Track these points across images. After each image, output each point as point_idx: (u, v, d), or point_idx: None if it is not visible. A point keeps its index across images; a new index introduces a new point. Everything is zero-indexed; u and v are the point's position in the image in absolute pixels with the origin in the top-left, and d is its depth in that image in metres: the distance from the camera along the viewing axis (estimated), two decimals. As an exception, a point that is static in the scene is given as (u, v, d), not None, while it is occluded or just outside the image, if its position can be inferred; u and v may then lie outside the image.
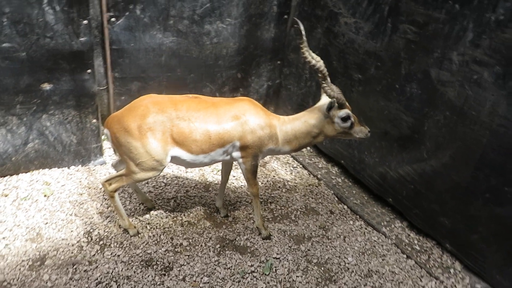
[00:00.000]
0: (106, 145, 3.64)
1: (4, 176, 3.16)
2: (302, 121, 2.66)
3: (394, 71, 2.92)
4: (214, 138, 2.53)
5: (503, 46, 2.27)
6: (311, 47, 3.68)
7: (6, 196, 3.00)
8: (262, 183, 3.53)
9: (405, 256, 2.89)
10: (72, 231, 2.79)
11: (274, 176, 3.66)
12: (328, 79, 2.54)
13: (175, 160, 2.59)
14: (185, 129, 2.48)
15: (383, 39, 2.95)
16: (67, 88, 3.06)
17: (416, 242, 3.00)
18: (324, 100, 2.63)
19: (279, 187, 3.53)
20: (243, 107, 2.61)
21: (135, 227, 2.84)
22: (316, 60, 2.49)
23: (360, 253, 2.88)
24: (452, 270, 2.77)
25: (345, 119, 2.58)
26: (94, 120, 3.29)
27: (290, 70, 4.06)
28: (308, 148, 4.05)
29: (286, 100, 4.23)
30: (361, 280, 2.66)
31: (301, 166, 3.86)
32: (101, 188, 3.19)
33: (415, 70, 2.78)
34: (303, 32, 2.49)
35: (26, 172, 3.23)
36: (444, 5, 2.52)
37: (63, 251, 2.63)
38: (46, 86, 2.98)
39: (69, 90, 3.07)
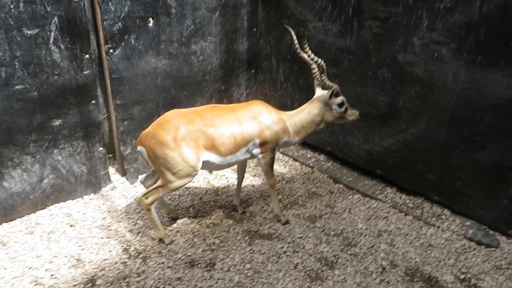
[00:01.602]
0: (112, 170, 3.79)
1: (23, 216, 3.21)
2: (306, 112, 3.09)
3: (366, 61, 3.45)
4: (238, 139, 2.89)
5: (454, 26, 2.86)
6: (282, 54, 4.17)
7: (31, 233, 3.06)
8: (263, 180, 3.88)
9: (403, 214, 3.39)
10: (110, 251, 2.94)
11: (272, 172, 4.03)
12: (324, 72, 3.01)
13: (206, 164, 2.90)
14: (213, 135, 2.81)
15: (351, 36, 3.47)
16: (75, 120, 3.21)
17: (408, 201, 3.52)
18: (319, 92, 3.09)
19: (279, 180, 3.91)
20: (257, 108, 3.01)
21: (169, 235, 3.06)
22: (315, 57, 2.96)
23: (367, 219, 3.33)
24: (443, 216, 3.31)
25: (341, 104, 3.05)
26: (101, 148, 3.45)
27: (264, 76, 4.48)
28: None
29: (264, 104, 4.63)
30: (375, 239, 3.11)
31: (292, 159, 4.27)
32: (124, 208, 3.36)
33: (383, 57, 3.32)
34: (294, 37, 2.98)
35: (43, 209, 3.30)
36: (399, 1, 3.09)
37: (109, 269, 2.78)
38: (56, 122, 3.12)
39: (77, 123, 3.23)
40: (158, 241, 3.05)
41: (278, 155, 4.35)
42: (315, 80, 3.06)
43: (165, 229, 3.15)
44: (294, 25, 3.92)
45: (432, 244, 3.05)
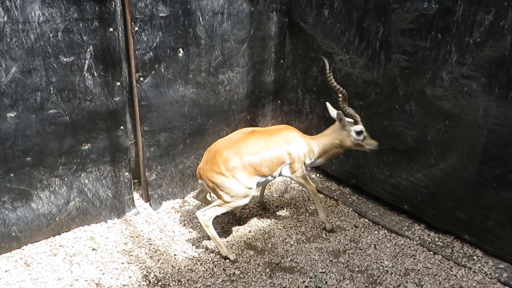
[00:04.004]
0: (136, 196, 3.83)
1: (48, 238, 3.26)
2: (327, 135, 3.43)
3: (393, 94, 3.42)
4: (276, 161, 3.26)
5: (484, 61, 2.81)
6: (308, 85, 4.20)
7: (55, 255, 3.10)
8: (286, 211, 3.82)
9: (431, 252, 3.24)
10: (130, 277, 2.93)
11: (295, 204, 3.97)
12: (346, 100, 3.25)
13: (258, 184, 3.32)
14: (258, 160, 3.18)
15: (378, 69, 3.47)
16: (103, 145, 3.29)
17: (437, 239, 3.38)
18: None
19: (302, 212, 3.84)
20: (288, 134, 3.37)
21: (233, 252, 3.23)
22: (339, 86, 3.20)
23: (393, 257, 3.21)
24: (475, 257, 3.15)
25: (358, 133, 3.27)
26: (127, 173, 3.50)
27: (290, 107, 4.51)
28: (318, 174, 4.44)
29: (289, 135, 4.64)
30: (402, 278, 2.97)
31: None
32: (146, 234, 3.37)
33: (411, 91, 3.29)
34: (327, 66, 3.23)
35: (67, 231, 3.34)
36: (428, 36, 3.07)
37: (128, 296, 2.77)
38: (85, 146, 3.20)
39: (105, 147, 3.31)
40: (224, 258, 3.17)
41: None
42: (338, 107, 3.27)
43: (191, 258, 3.12)
44: (320, 58, 3.96)
45: (463, 287, 2.89)
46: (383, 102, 3.52)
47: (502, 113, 2.79)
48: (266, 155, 3.20)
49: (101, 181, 3.39)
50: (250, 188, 3.15)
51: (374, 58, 3.49)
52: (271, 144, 3.25)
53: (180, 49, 3.45)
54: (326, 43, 3.87)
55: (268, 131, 3.37)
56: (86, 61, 3.01)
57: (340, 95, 3.18)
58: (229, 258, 3.14)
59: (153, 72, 3.36)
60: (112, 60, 3.12)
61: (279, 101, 4.47)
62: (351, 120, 3.27)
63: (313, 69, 4.09)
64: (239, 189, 3.09)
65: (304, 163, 3.42)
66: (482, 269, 3.03)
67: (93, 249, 3.18)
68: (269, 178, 3.32)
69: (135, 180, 3.89)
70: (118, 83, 3.21)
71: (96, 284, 2.85)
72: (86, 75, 3.03)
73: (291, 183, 4.35)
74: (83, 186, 3.30)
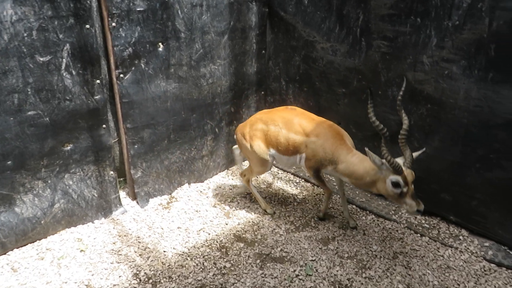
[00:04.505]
0: (122, 194, 3.79)
1: (34, 242, 3.20)
2: (362, 163, 2.89)
3: (375, 80, 3.43)
4: (292, 145, 3.18)
5: (463, 44, 2.84)
6: (291, 75, 4.19)
7: (42, 259, 3.05)
8: (274, 201, 3.83)
9: (418, 235, 3.30)
10: (120, 276, 2.91)
11: (282, 193, 3.98)
12: (387, 142, 2.71)
13: (274, 158, 3.36)
14: (274, 132, 3.22)
15: (360, 55, 3.47)
16: (86, 145, 3.23)
17: (424, 222, 3.43)
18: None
19: (291, 201, 3.85)
20: (320, 130, 3.09)
21: (271, 207, 3.63)
22: (381, 125, 2.71)
23: (381, 241, 3.25)
24: (461, 237, 3.22)
25: (395, 184, 2.67)
26: (112, 172, 3.46)
27: (274, 97, 4.49)
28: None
29: (274, 126, 4.64)
30: (390, 262, 3.02)
31: (303, 180, 4.22)
32: (135, 232, 3.35)
33: (393, 76, 3.30)
34: (370, 101, 2.71)
35: (54, 234, 3.29)
36: (407, 20, 3.09)
37: (119, 295, 2.75)
38: (67, 147, 3.14)
39: (88, 147, 3.25)
40: (264, 212, 3.62)
41: (288, 176, 4.31)
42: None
43: (180, 253, 3.11)
44: (302, 46, 3.95)
45: (450, 266, 2.95)
46: (365, 88, 3.53)
47: (482, 95, 2.83)
48: (285, 134, 3.16)
49: (85, 182, 3.34)
50: (265, 158, 3.31)
51: (355, 45, 3.49)
52: (294, 127, 3.14)
53: (160, 44, 3.39)
54: (307, 31, 3.86)
55: (308, 116, 3.22)
56: (63, 59, 2.93)
57: (381, 134, 2.69)
58: (266, 211, 3.59)
59: (133, 68, 3.30)
60: (90, 58, 3.05)
61: (262, 92, 4.45)
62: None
63: (295, 58, 4.08)
64: (254, 155, 3.34)
65: (321, 166, 3.09)
66: (468, 248, 3.10)
67: (81, 251, 3.14)
68: (287, 159, 3.26)
69: (121, 179, 3.84)
70: (98, 81, 3.14)
71: (86, 285, 2.82)
72: (64, 74, 2.96)
73: (278, 173, 4.36)
74: (68, 187, 3.25)
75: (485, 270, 2.90)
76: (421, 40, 3.05)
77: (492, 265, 2.95)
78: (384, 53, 3.30)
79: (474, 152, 2.98)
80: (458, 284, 2.79)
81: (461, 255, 3.05)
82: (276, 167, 4.46)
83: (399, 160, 2.77)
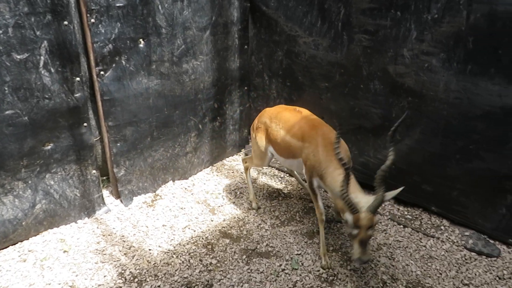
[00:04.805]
0: (106, 193, 3.74)
1: (16, 243, 3.14)
2: (337, 183, 2.52)
3: (357, 74, 3.46)
4: (288, 148, 3.08)
5: (442, 37, 2.88)
6: (274, 70, 4.19)
7: (24, 261, 2.99)
8: (259, 196, 3.83)
9: (401, 226, 3.35)
10: (105, 276, 2.88)
11: (268, 188, 3.99)
12: (350, 179, 2.42)
13: (273, 156, 3.34)
14: (274, 131, 3.19)
15: (342, 49, 3.49)
16: (67, 144, 3.18)
17: (406, 213, 3.49)
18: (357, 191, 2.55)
19: (276, 196, 3.87)
20: (315, 137, 2.84)
21: (257, 202, 3.65)
22: (343, 158, 2.42)
23: (366, 233, 3.29)
24: (442, 227, 3.28)
25: (346, 222, 2.47)
26: (94, 171, 3.41)
27: (257, 93, 4.49)
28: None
29: (258, 121, 4.64)
30: (375, 253, 3.06)
31: (287, 175, 4.23)
32: (119, 231, 3.31)
33: (374, 70, 3.33)
34: (338, 135, 2.49)
35: (36, 235, 3.23)
36: (388, 14, 3.11)
37: (104, 295, 2.72)
38: (48, 146, 3.08)
39: (69, 146, 3.19)
40: (249, 203, 3.69)
41: (273, 171, 4.32)
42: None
43: (165, 251, 3.10)
44: (285, 41, 3.95)
45: (433, 256, 3.01)
46: (348, 82, 3.55)
47: (462, 87, 2.88)
48: (282, 136, 3.10)
49: (67, 181, 3.28)
50: (262, 152, 3.33)
51: (337, 39, 3.51)
52: (294, 132, 2.98)
53: (141, 40, 3.34)
54: (289, 26, 3.86)
55: (309, 122, 3.00)
56: (42, 57, 2.87)
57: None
58: (251, 204, 3.64)
59: (113, 65, 3.25)
60: (69, 55, 2.99)
61: (245, 87, 4.44)
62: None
63: (278, 53, 4.07)
64: (255, 146, 3.40)
65: (312, 175, 2.85)
66: (449, 238, 3.16)
67: (65, 251, 3.10)
68: (284, 161, 3.19)
69: (104, 177, 3.79)
70: (78, 79, 3.09)
71: (70, 286, 2.78)
72: (42, 72, 2.89)
73: (263, 168, 4.36)
74: (49, 187, 3.19)
75: (466, 259, 2.97)
76: (401, 34, 3.08)
77: (473, 253, 3.02)
78: (365, 47, 3.33)
79: (454, 144, 3.03)
80: (440, 273, 2.85)
81: (442, 245, 3.11)
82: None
83: (364, 199, 2.43)
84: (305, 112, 3.21)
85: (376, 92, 3.38)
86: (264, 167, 4.27)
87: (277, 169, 4.34)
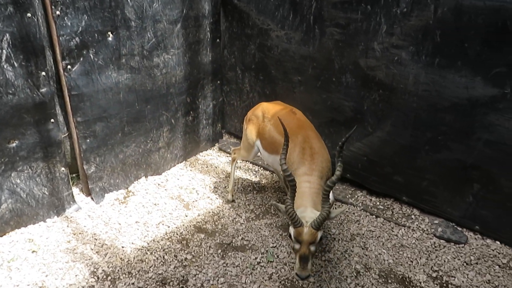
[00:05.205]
0: (76, 191, 3.64)
1: (-19, 245, 3.02)
2: (301, 191, 2.52)
3: (329, 67, 3.48)
4: (272, 143, 3.08)
5: (411, 30, 2.93)
6: (247, 64, 4.17)
7: (-10, 263, 2.89)
8: (235, 191, 3.82)
9: (374, 216, 3.42)
10: (76, 275, 2.80)
11: (242, 182, 3.98)
12: (293, 192, 2.33)
13: (259, 150, 3.32)
14: (263, 125, 3.20)
15: (314, 43, 3.51)
16: (33, 141, 3.06)
17: (378, 203, 3.56)
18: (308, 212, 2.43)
19: (250, 190, 3.87)
20: (298, 137, 2.81)
21: (233, 194, 3.67)
22: (291, 175, 2.34)
23: (339, 224, 3.34)
24: (413, 216, 3.37)
25: (289, 236, 2.42)
26: (63, 168, 3.30)
27: (230, 87, 4.46)
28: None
29: (231, 115, 4.61)
30: (348, 244, 3.11)
31: (262, 169, 4.24)
32: (90, 229, 3.23)
33: (346, 63, 3.37)
34: (285, 145, 2.43)
35: (2, 236, 3.11)
36: (358, 8, 3.14)
37: (76, 295, 2.66)
38: (13, 143, 2.96)
39: (35, 143, 3.08)
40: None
41: (247, 165, 4.31)
42: None
43: (139, 248, 3.05)
44: (257, 34, 3.94)
45: (404, 245, 3.09)
46: (320, 75, 3.58)
47: (430, 80, 2.95)
48: (269, 130, 3.12)
49: (34, 179, 3.17)
50: (251, 144, 3.33)
51: (309, 33, 3.52)
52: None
53: (109, 33, 3.25)
54: (261, 19, 3.84)
55: (303, 123, 3.02)
56: (4, 50, 2.74)
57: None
58: (228, 195, 3.66)
59: (81, 59, 3.15)
60: (34, 48, 2.87)
61: (218, 82, 4.40)
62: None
63: (250, 46, 4.06)
64: (245, 137, 3.41)
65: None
66: (419, 226, 3.25)
67: (33, 251, 3.00)
68: (267, 157, 3.17)
69: (73, 175, 3.69)
70: (43, 73, 2.97)
71: (40, 287, 2.70)
72: (5, 67, 2.77)
73: (237, 162, 4.35)
74: (15, 186, 3.07)
75: (435, 246, 3.06)
76: (371, 27, 3.12)
77: (442, 241, 3.11)
78: (337, 40, 3.35)
79: (424, 135, 3.11)
80: (411, 261, 2.93)
81: (413, 233, 3.20)
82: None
83: (311, 214, 2.39)
84: (299, 114, 3.17)
85: (348, 85, 3.42)
86: (244, 160, 4.25)
87: (251, 163, 4.33)
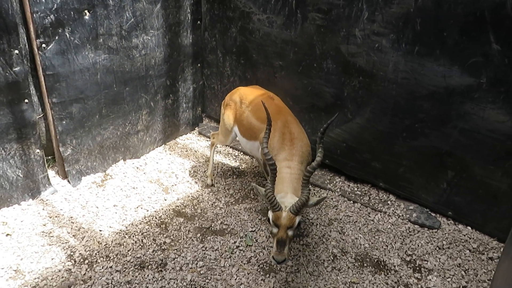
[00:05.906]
0: (52, 173, 3.56)
1: (-48, 228, 2.94)
2: (281, 176, 2.54)
3: (311, 52, 3.47)
4: (251, 129, 3.06)
5: (392, 18, 2.95)
6: (228, 47, 4.11)
7: (-38, 246, 2.82)
8: (214, 175, 3.81)
9: (351, 202, 3.48)
10: (52, 258, 2.77)
11: (222, 167, 3.98)
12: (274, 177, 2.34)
13: (236, 135, 3.31)
14: (241, 110, 3.17)
15: (296, 28, 3.49)
16: (6, 122, 2.97)
17: (356, 189, 3.62)
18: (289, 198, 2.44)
19: (230, 175, 3.87)
20: (277, 122, 2.78)
21: (212, 179, 3.65)
22: (272, 158, 2.33)
23: (317, 209, 3.39)
24: (389, 202, 3.44)
25: (268, 219, 2.41)
26: (38, 150, 3.22)
27: (211, 70, 4.41)
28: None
29: (212, 99, 4.57)
30: (326, 228, 3.17)
31: (241, 153, 4.24)
32: (67, 212, 3.18)
33: (327, 49, 3.37)
34: (267, 131, 2.42)
35: (-25, 219, 3.04)
36: (341, -7, 3.14)
37: (52, 278, 2.62)
38: (-16, 124, 2.87)
39: (8, 124, 2.99)
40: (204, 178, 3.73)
41: (227, 150, 4.30)
42: None
43: (117, 232, 3.02)
44: (239, 17, 3.88)
45: (380, 229, 3.16)
46: (301, 61, 3.57)
47: (409, 68, 2.98)
48: (247, 116, 3.08)
49: (8, 161, 3.08)
50: (228, 129, 3.32)
51: (291, 17, 3.49)
52: (259, 115, 2.92)
53: (86, 11, 3.15)
54: (243, 2, 3.79)
55: (282, 110, 3.00)
56: (-27, 27, 2.64)
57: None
58: (206, 179, 3.67)
59: (56, 37, 3.05)
60: (6, 25, 2.76)
61: (199, 64, 4.34)
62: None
63: (232, 29, 4.00)
64: (222, 123, 3.38)
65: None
66: (395, 212, 3.33)
67: (7, 235, 2.94)
68: (245, 143, 3.14)
69: (49, 157, 3.60)
70: (16, 51, 2.87)
71: (15, 270, 2.66)
72: (-25, 44, 2.66)
73: (217, 147, 4.34)
74: (-13, 168, 2.99)
75: (410, 231, 3.15)
76: (353, 14, 3.12)
77: (416, 226, 3.20)
78: (319, 25, 3.34)
79: (402, 122, 3.16)
80: (387, 245, 3.00)
81: (389, 219, 3.27)
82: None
83: (291, 199, 2.39)
84: (277, 99, 3.17)
85: (329, 71, 3.42)
86: (223, 145, 4.24)
87: (231, 147, 4.33)
